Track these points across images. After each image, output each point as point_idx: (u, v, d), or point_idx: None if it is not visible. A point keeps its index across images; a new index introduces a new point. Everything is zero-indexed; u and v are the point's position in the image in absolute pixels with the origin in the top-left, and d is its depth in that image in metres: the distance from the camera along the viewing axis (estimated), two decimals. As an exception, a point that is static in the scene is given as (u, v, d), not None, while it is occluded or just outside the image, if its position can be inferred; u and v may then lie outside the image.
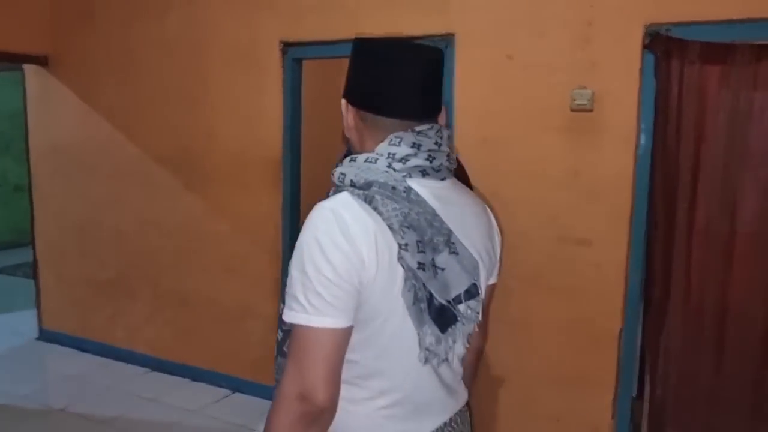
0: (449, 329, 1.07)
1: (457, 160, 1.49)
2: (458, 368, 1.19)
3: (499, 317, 2.91)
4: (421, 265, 1.01)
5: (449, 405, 1.18)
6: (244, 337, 3.67)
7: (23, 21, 3.95)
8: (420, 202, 1.04)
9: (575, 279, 2.75)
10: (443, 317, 1.05)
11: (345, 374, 1.02)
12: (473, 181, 2.89)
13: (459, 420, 1.21)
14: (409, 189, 1.04)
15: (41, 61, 4.10)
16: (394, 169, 1.05)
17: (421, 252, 1.01)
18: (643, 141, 2.59)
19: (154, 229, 3.90)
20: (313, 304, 0.95)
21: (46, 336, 4.46)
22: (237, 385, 3.70)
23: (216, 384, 3.76)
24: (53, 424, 3.31)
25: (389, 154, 1.06)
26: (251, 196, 3.51)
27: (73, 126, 4.14)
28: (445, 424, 1.16)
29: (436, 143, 1.09)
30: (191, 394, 3.66)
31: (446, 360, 1.10)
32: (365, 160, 1.06)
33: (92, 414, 3.39)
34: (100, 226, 4.14)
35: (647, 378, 2.70)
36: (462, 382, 1.24)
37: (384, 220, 0.99)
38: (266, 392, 3.58)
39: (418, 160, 1.06)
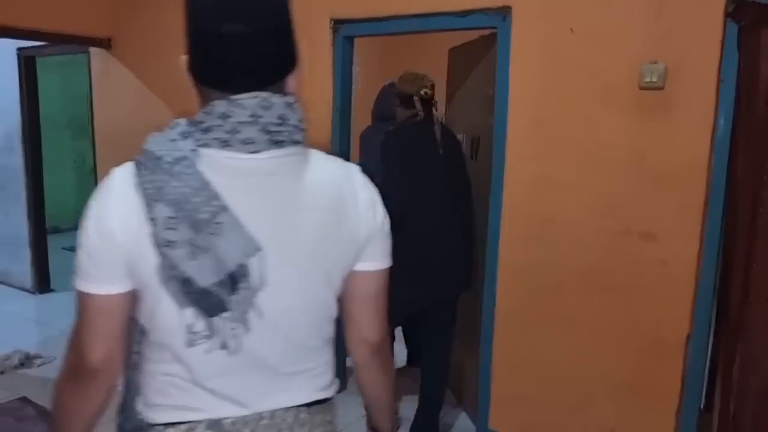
0: (226, 314, 0.97)
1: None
2: (293, 359, 1.06)
3: (549, 316, 2.69)
4: (171, 243, 0.93)
5: (270, 397, 1.05)
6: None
7: (87, 4, 4.02)
8: (186, 174, 0.95)
9: (637, 277, 2.47)
10: (207, 302, 0.96)
11: (146, 337, 1.04)
12: (523, 164, 2.68)
13: (291, 419, 1.06)
14: (178, 160, 0.95)
15: (104, 43, 4.17)
16: (196, 139, 0.96)
17: (171, 229, 0.93)
18: (722, 123, 2.28)
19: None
20: (82, 269, 0.98)
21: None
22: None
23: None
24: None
25: (192, 122, 0.98)
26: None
27: (132, 108, 4.19)
28: (259, 416, 1.04)
29: (252, 114, 0.96)
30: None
31: (243, 347, 1.00)
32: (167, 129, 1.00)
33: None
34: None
35: (718, 389, 2.40)
36: (316, 376, 1.10)
37: (139, 192, 0.95)
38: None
39: (220, 132, 0.96)
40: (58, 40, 4.15)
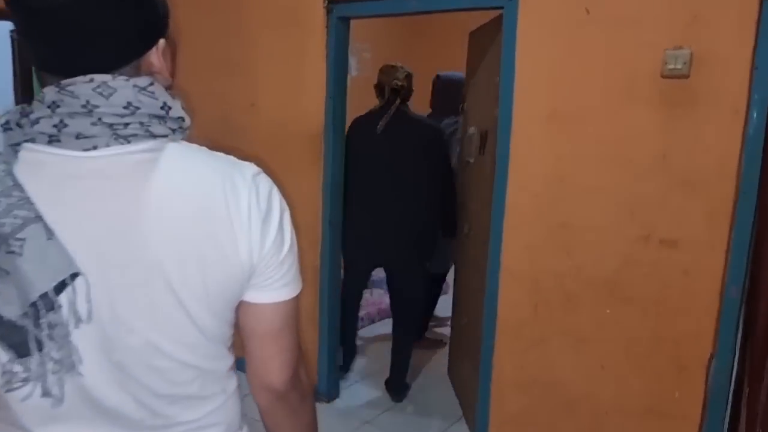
0: (42, 354, 0.77)
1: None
2: (162, 410, 0.87)
3: (559, 331, 2.45)
4: None
5: None
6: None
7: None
8: None
9: (657, 289, 2.23)
10: (16, 338, 0.76)
11: None
12: (530, 161, 2.43)
13: None
14: None
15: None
16: (24, 133, 0.78)
17: None
18: (754, 117, 2.02)
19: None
20: None
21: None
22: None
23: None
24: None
25: (20, 111, 0.79)
26: (292, 175, 3.16)
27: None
28: None
29: (86, 103, 0.77)
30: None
31: (73, 395, 0.81)
32: None
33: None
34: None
35: (743, 414, 2.16)
36: (198, 429, 0.90)
37: None
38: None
39: (47, 124, 0.77)
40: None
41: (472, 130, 2.96)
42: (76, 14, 0.75)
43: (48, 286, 0.75)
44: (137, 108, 0.79)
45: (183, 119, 0.84)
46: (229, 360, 0.94)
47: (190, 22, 3.47)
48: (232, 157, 0.89)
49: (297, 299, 0.93)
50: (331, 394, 3.25)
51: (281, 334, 0.92)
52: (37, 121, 0.77)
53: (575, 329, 2.41)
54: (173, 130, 0.83)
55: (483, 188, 2.71)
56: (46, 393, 0.79)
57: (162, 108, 0.81)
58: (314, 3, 2.94)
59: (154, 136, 0.81)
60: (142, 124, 0.79)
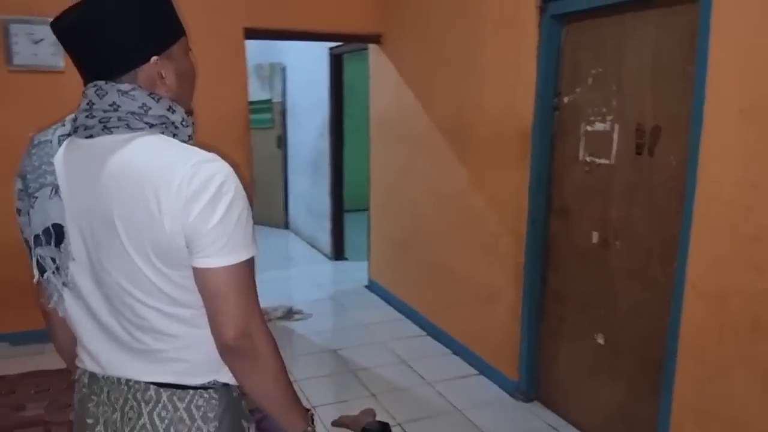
0: (50, 274, 1.15)
1: None
2: (139, 337, 1.13)
3: (750, 361, 2.06)
4: (19, 211, 1.16)
5: (120, 366, 1.17)
6: (489, 321, 3.48)
7: (363, 3, 4.45)
8: (37, 156, 1.15)
9: None
10: (41, 264, 1.16)
11: None
12: (724, 165, 2.08)
13: (141, 392, 1.15)
14: (42, 143, 1.16)
15: (375, 39, 4.57)
16: (66, 125, 1.17)
17: (19, 199, 1.16)
18: None
19: (434, 200, 3.99)
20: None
21: (372, 285, 5.06)
22: (482, 368, 3.55)
23: (468, 362, 3.68)
24: (318, 358, 3.79)
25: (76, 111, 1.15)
26: (503, 172, 3.26)
27: (391, 98, 4.52)
28: (116, 379, 1.17)
29: (89, 102, 1.10)
30: (441, 366, 3.67)
31: (76, 309, 1.18)
32: None
33: (352, 359, 3.74)
34: (399, 192, 4.46)
35: None
36: (168, 360, 1.15)
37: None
38: (503, 381, 3.34)
39: (74, 120, 1.13)
40: (335, 39, 4.73)
41: (602, 125, 2.63)
42: (82, 34, 1.09)
43: (38, 229, 1.13)
44: (119, 107, 1.09)
45: (165, 117, 1.11)
46: (193, 310, 1.12)
47: (441, 30, 3.80)
48: (193, 149, 1.09)
49: (237, 268, 1.07)
50: (529, 394, 3.23)
51: (223, 296, 1.07)
52: (75, 118, 1.14)
53: (764, 361, 2.01)
54: (150, 125, 1.11)
55: (643, 193, 2.40)
56: (55, 305, 1.17)
57: (141, 108, 1.10)
58: (528, 2, 2.97)
59: (132, 128, 1.10)
60: (120, 119, 1.09)
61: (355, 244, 5.80)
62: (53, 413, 3.12)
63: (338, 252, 5.98)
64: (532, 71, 2.98)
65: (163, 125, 1.12)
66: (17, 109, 3.69)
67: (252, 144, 7.29)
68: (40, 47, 3.68)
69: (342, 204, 5.97)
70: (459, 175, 3.67)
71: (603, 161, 2.68)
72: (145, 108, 1.10)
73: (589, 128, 2.75)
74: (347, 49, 5.34)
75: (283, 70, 6.91)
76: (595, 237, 2.75)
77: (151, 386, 1.14)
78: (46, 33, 3.64)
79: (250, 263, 1.10)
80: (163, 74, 1.13)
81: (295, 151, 6.91)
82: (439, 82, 3.84)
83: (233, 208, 1.05)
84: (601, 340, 2.78)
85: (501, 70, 3.23)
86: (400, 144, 4.44)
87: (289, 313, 4.41)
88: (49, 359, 3.46)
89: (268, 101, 7.06)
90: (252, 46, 6.67)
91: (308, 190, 6.56)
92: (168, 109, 1.12)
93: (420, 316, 4.26)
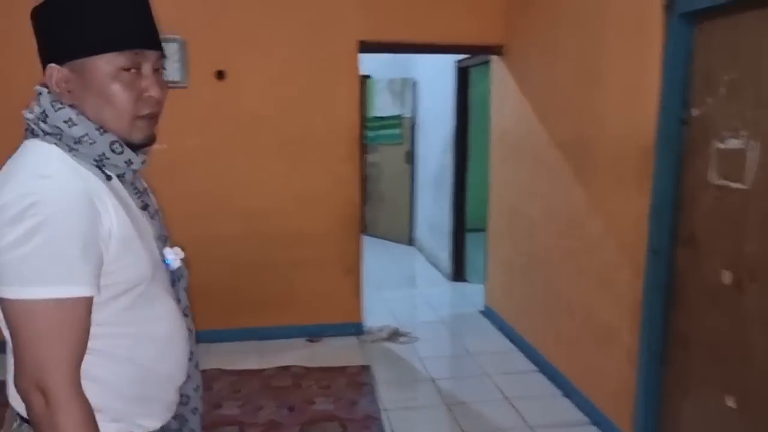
0: None
1: None
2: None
3: None
4: None
5: None
6: (605, 363, 3.06)
7: (483, 13, 4.21)
8: None
9: None
10: None
11: None
12: None
13: None
14: None
15: (497, 50, 4.30)
16: None
17: None
18: None
19: (552, 223, 3.62)
20: None
21: (487, 311, 4.76)
22: (594, 416, 3.13)
23: (579, 407, 3.27)
24: (412, 388, 3.57)
25: None
26: (623, 194, 2.85)
27: (511, 113, 4.22)
28: None
29: None
30: (549, 409, 3.29)
31: None
32: None
33: (449, 391, 3.48)
34: (519, 213, 4.12)
35: None
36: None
37: None
38: (615, 436, 2.92)
39: None
40: (454, 51, 4.52)
41: (736, 142, 2.11)
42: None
43: None
44: (32, 111, 1.08)
45: (59, 129, 1.04)
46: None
47: (566, 39, 3.47)
48: (49, 162, 1.01)
49: (32, 306, 0.93)
50: (646, 451, 2.78)
51: (14, 335, 0.95)
52: None
53: None
54: (44, 133, 1.05)
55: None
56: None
57: (41, 114, 1.05)
58: (653, 2, 2.57)
59: (34, 135, 1.06)
60: (28, 123, 1.07)
61: (477, 266, 5.51)
62: (248, 414, 3.19)
63: (458, 273, 5.72)
64: (656, 79, 2.57)
65: (57, 136, 1.04)
66: (144, 122, 3.90)
67: (380, 160, 7.34)
68: (167, 64, 3.85)
69: (464, 222, 5.71)
70: (577, 196, 3.30)
71: (737, 185, 2.21)
72: (43, 115, 1.05)
73: (721, 145, 2.30)
74: (474, 62, 5.12)
75: (414, 84, 6.82)
76: (726, 276, 2.28)
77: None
78: (171, 51, 3.83)
79: (60, 305, 0.94)
80: (66, 86, 1.05)
81: (422, 167, 6.79)
82: (559, 95, 3.50)
83: (37, 234, 0.92)
84: (732, 403, 2.29)
85: (622, 78, 2.84)
86: (519, 161, 4.12)
87: (395, 335, 4.24)
88: (232, 359, 3.57)
89: (398, 117, 7.01)
90: (385, 61, 6.75)
91: (431, 206, 6.39)
92: (66, 121, 1.03)
93: (532, 349, 3.90)
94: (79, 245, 0.95)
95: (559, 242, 3.55)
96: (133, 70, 1.05)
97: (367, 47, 4.14)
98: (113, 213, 1.03)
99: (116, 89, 1.04)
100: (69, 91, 1.05)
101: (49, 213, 0.93)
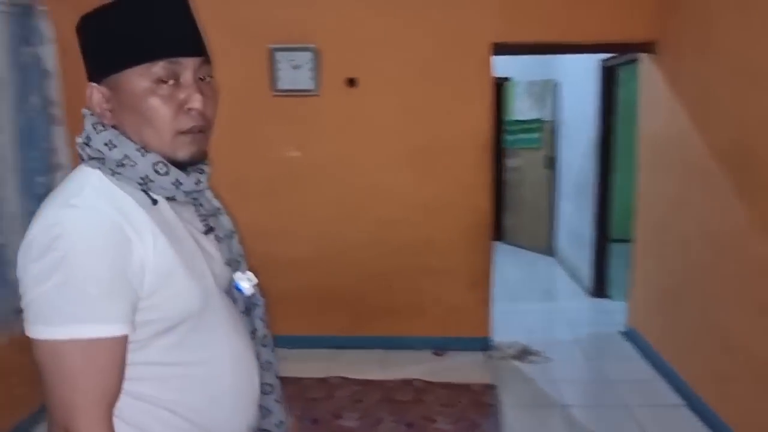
0: None
1: None
2: None
3: None
4: None
5: None
6: (766, 404, 2.63)
7: (632, 7, 3.84)
8: None
9: None
10: None
11: None
12: None
13: None
14: None
15: (648, 48, 3.90)
16: None
17: None
18: None
19: (708, 241, 3.20)
20: None
21: (629, 333, 4.36)
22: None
23: (735, 454, 2.85)
24: (541, 414, 3.32)
25: None
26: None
27: (663, 116, 3.81)
28: None
29: None
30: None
31: None
32: None
33: (581, 422, 3.20)
34: (669, 228, 3.71)
35: None
36: None
37: None
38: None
39: None
40: (598, 50, 4.17)
41: None
42: None
43: None
44: (80, 136, 1.03)
45: (100, 152, 0.98)
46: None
47: (717, 27, 3.08)
48: (84, 188, 0.95)
49: (56, 347, 0.87)
50: None
51: (44, 375, 0.90)
52: None
53: None
54: (90, 158, 0.99)
55: None
56: None
57: (86, 138, 1.00)
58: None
59: (83, 160, 1.01)
60: (78, 148, 1.03)
61: (620, 281, 5.08)
62: (366, 427, 3.14)
63: (599, 288, 5.31)
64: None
65: (100, 160, 0.98)
66: (279, 129, 4.01)
67: (519, 165, 7.05)
68: (299, 72, 3.94)
69: (607, 234, 5.28)
70: (737, 212, 2.88)
71: None
72: (87, 139, 1.00)
73: None
74: (620, 61, 4.71)
75: (555, 86, 6.47)
76: None
77: None
78: (304, 60, 3.89)
79: (86, 346, 0.87)
80: (106, 106, 0.99)
81: (564, 173, 6.41)
82: (718, 96, 3.08)
83: (58, 270, 0.87)
84: None
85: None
86: (670, 170, 3.71)
87: (524, 353, 4.00)
88: (356, 367, 3.68)
89: (538, 120, 6.68)
90: (526, 63, 6.46)
91: (572, 214, 6.01)
92: (106, 144, 0.97)
93: (680, 380, 3.48)
94: (102, 281, 0.88)
95: (714, 263, 3.12)
96: (171, 82, 0.96)
97: (501, 49, 3.94)
98: (150, 243, 0.94)
99: (153, 104, 0.96)
100: (110, 111, 0.99)
101: (69, 247, 0.87)
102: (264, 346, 1.18)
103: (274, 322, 4.11)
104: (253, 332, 1.16)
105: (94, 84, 0.99)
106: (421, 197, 4.03)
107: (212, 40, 3.95)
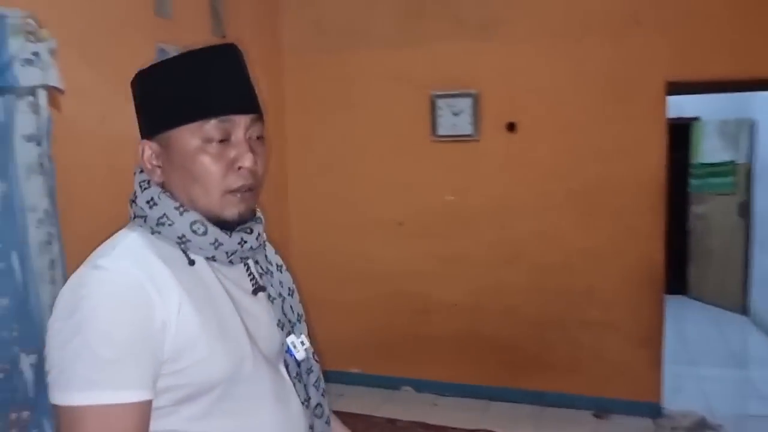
0: None
1: None
2: None
3: None
4: None
5: None
6: None
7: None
8: None
9: None
10: None
11: None
12: None
13: None
14: None
15: None
16: None
17: None
18: None
19: None
20: None
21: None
22: None
23: None
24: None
25: None
26: None
27: None
28: None
29: None
30: None
31: None
32: None
33: None
34: None
35: None
36: None
37: None
38: None
39: None
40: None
41: None
42: None
43: None
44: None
45: (143, 210, 0.98)
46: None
47: None
48: (121, 249, 0.94)
49: (74, 413, 0.84)
50: None
51: None
52: None
53: None
54: (134, 216, 1.00)
55: None
56: None
57: (133, 194, 1.01)
58: None
59: (131, 218, 1.02)
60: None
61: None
62: None
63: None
64: None
65: (143, 218, 0.98)
66: (437, 173, 4.06)
67: (707, 211, 6.38)
68: (459, 118, 3.97)
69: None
70: None
71: None
72: (133, 196, 1.00)
73: None
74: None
75: (752, 126, 5.81)
76: None
77: None
78: (465, 105, 3.92)
79: (100, 412, 0.83)
80: (156, 161, 0.99)
81: (760, 221, 5.69)
82: None
83: (78, 333, 0.85)
84: None
85: None
86: None
87: (700, 426, 3.55)
88: (508, 423, 3.61)
89: (730, 163, 6.03)
90: (717, 101, 5.89)
91: (770, 270, 5.29)
92: (148, 202, 0.97)
93: None
94: (121, 345, 0.85)
95: None
96: (222, 140, 0.95)
97: (679, 88, 3.65)
98: (174, 305, 0.90)
99: (203, 162, 0.95)
100: (159, 168, 0.99)
101: (90, 310, 0.85)
102: (318, 417, 1.10)
103: (425, 366, 4.08)
104: (306, 401, 1.08)
105: (146, 141, 0.99)
106: (584, 243, 3.81)
107: (378, 88, 4.18)
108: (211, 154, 0.95)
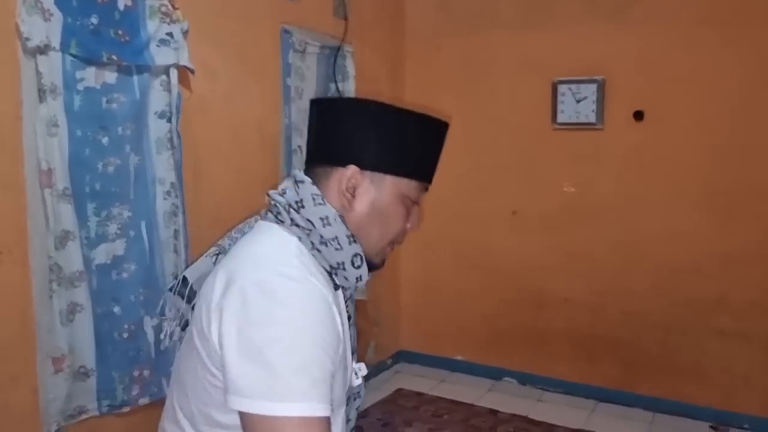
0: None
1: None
2: None
3: None
4: None
5: None
6: None
7: None
8: None
9: None
10: None
11: None
12: None
13: None
14: None
15: None
16: None
17: None
18: None
19: None
20: None
21: None
22: None
23: None
24: None
25: None
26: None
27: None
28: None
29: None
30: None
31: None
32: None
33: None
34: None
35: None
36: None
37: None
38: None
39: None
40: None
41: None
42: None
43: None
44: (285, 192, 1.05)
45: (313, 224, 0.99)
46: None
47: None
48: (274, 262, 0.94)
49: (275, 423, 0.83)
50: None
51: None
52: None
53: None
54: (292, 223, 1.00)
55: None
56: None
57: (298, 202, 1.01)
58: None
59: (277, 219, 1.02)
60: (275, 204, 1.05)
61: None
62: None
63: None
64: None
65: (306, 231, 0.98)
66: (558, 163, 3.88)
67: None
68: (582, 105, 3.77)
69: None
70: None
71: None
72: (298, 204, 1.00)
73: None
74: None
75: None
76: None
77: None
78: (589, 92, 3.72)
79: (304, 425, 0.84)
80: (355, 192, 1.02)
81: None
82: None
83: (276, 344, 0.86)
84: None
85: None
86: None
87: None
88: (619, 427, 3.49)
89: None
90: None
91: None
92: (322, 218, 0.98)
93: None
94: (323, 359, 0.88)
95: None
96: (414, 202, 1.08)
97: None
98: (339, 324, 0.95)
99: (398, 213, 1.06)
100: (353, 198, 1.03)
101: (291, 321, 0.87)
102: None
103: (532, 359, 3.95)
104: (347, 422, 1.11)
105: (357, 168, 1.02)
106: (719, 247, 3.50)
107: (500, 74, 4.03)
108: (405, 209, 1.07)
